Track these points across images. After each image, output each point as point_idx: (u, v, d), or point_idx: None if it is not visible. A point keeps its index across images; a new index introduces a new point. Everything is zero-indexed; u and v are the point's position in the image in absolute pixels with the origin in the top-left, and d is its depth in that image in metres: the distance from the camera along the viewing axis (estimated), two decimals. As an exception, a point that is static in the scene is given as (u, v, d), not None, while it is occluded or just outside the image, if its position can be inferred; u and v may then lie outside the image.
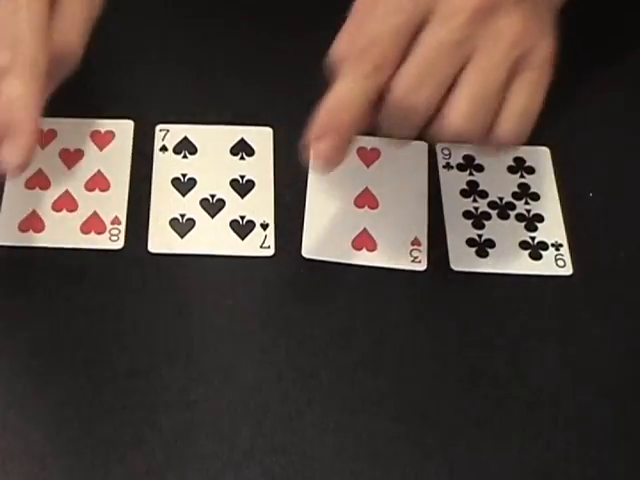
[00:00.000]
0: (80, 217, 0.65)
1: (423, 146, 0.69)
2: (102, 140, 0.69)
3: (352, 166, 0.68)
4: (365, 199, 0.67)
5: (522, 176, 0.69)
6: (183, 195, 0.67)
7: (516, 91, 0.61)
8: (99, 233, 0.65)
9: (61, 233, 0.65)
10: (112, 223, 0.65)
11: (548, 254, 0.66)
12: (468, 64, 0.60)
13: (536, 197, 0.68)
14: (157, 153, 0.68)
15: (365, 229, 0.66)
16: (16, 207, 0.66)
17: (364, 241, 0.66)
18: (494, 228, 0.66)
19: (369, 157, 0.69)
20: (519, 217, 0.67)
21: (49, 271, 0.63)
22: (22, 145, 0.58)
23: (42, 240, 0.64)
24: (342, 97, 0.60)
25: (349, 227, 0.66)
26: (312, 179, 0.68)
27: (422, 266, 0.65)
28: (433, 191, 0.68)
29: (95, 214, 0.66)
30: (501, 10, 0.60)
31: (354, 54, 0.60)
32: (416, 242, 0.66)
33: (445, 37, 0.59)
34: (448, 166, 0.69)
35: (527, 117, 0.62)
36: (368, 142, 0.69)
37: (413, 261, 0.65)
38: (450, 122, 0.60)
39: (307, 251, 0.65)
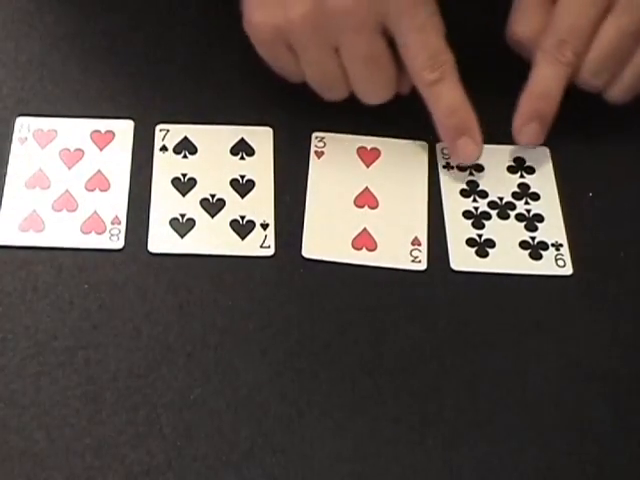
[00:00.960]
0: (80, 217, 0.65)
1: (423, 146, 0.69)
2: (102, 140, 0.69)
3: (352, 166, 0.68)
4: (365, 199, 0.67)
5: (522, 176, 0.69)
6: (183, 195, 0.67)
7: None
8: (99, 233, 0.65)
9: (61, 233, 0.65)
10: (112, 223, 0.65)
11: (548, 254, 0.66)
12: None
13: (536, 197, 0.68)
14: (157, 153, 0.68)
15: (365, 229, 0.66)
16: (16, 207, 0.66)
17: (364, 241, 0.66)
18: (494, 228, 0.66)
19: (369, 157, 0.69)
20: (519, 217, 0.67)
21: (49, 271, 0.63)
22: (478, 141, 0.67)
23: (42, 240, 0.64)
24: (547, 86, 0.67)
25: (349, 227, 0.66)
26: (312, 179, 0.68)
27: (422, 266, 0.65)
28: (433, 191, 0.68)
29: (95, 214, 0.66)
30: None
31: (554, 44, 0.67)
32: (416, 242, 0.66)
33: (627, 28, 0.66)
34: (448, 166, 0.69)
35: None
36: (368, 142, 0.69)
37: (413, 261, 0.65)
38: None
39: (307, 251, 0.65)
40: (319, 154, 0.69)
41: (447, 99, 0.66)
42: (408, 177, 0.68)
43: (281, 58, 0.67)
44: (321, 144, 0.69)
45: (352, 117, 0.69)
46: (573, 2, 0.67)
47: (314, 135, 0.69)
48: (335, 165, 0.68)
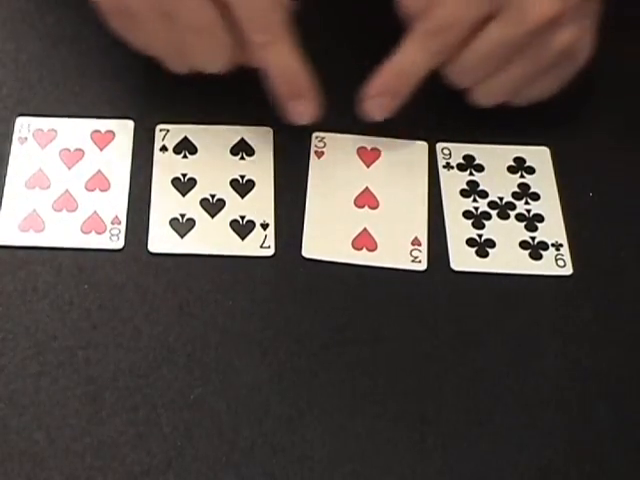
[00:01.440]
0: (80, 217, 0.65)
1: (423, 146, 0.69)
2: (102, 140, 0.69)
3: (352, 166, 0.68)
4: (365, 199, 0.67)
5: (522, 176, 0.69)
6: (183, 195, 0.67)
7: None
8: (99, 233, 0.65)
9: (61, 233, 0.65)
10: (112, 223, 0.65)
11: (548, 254, 0.66)
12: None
13: (536, 197, 0.68)
14: (157, 153, 0.68)
15: (365, 229, 0.66)
16: (16, 207, 0.66)
17: (364, 241, 0.66)
18: (494, 228, 0.66)
19: (369, 157, 0.69)
20: (519, 217, 0.67)
21: (49, 271, 0.63)
22: (311, 102, 0.66)
23: (42, 240, 0.64)
24: (408, 66, 0.66)
25: (349, 227, 0.66)
26: (312, 179, 0.68)
27: (422, 266, 0.65)
28: (433, 191, 0.68)
29: (95, 214, 0.66)
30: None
31: (429, 30, 0.65)
32: (416, 242, 0.66)
33: (508, 38, 0.64)
34: (448, 166, 0.69)
35: None
36: (369, 142, 0.69)
37: (413, 261, 0.65)
38: None
39: (307, 251, 0.65)
40: (319, 154, 0.69)
41: (278, 63, 0.65)
42: (408, 177, 0.68)
43: (128, 30, 0.66)
44: (321, 144, 0.69)
45: (352, 117, 0.68)
46: None
47: (314, 135, 0.69)
48: (335, 165, 0.68)
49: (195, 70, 0.67)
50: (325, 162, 0.68)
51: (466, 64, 0.66)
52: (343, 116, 0.69)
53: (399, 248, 0.66)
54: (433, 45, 0.65)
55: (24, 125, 0.69)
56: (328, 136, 0.69)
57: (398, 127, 0.69)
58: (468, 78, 0.67)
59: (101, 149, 0.68)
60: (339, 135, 0.70)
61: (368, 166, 0.69)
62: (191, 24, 0.64)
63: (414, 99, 0.67)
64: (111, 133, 0.69)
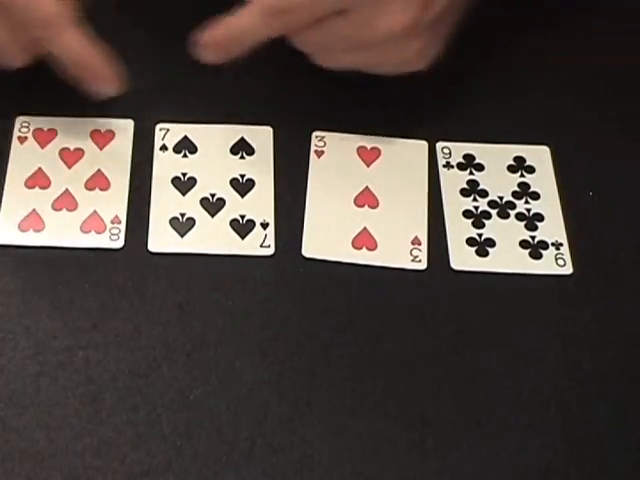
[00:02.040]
0: (80, 216, 0.65)
1: (423, 146, 0.69)
2: (102, 139, 0.69)
3: (352, 165, 0.68)
4: (365, 198, 0.67)
5: (522, 175, 0.69)
6: (183, 194, 0.67)
7: None
8: (99, 232, 0.65)
9: (61, 232, 0.65)
10: (112, 222, 0.65)
11: (548, 253, 0.66)
12: None
13: (536, 196, 0.68)
14: (157, 152, 0.68)
15: (365, 228, 0.66)
16: (16, 206, 0.66)
17: (364, 240, 0.66)
18: (494, 227, 0.66)
19: (369, 156, 0.69)
20: (519, 216, 0.67)
21: (49, 271, 0.63)
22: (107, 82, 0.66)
23: (42, 240, 0.64)
24: (244, 31, 0.64)
25: (349, 226, 0.66)
26: (312, 179, 0.68)
27: (422, 265, 0.65)
28: (433, 190, 0.68)
29: (95, 213, 0.66)
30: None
31: (272, 8, 0.63)
32: (416, 241, 0.66)
33: (350, 38, 0.63)
34: (448, 165, 0.69)
35: None
36: (369, 141, 0.69)
37: (413, 260, 0.65)
38: None
39: (307, 250, 0.65)
40: (319, 153, 0.69)
41: (66, 51, 0.65)
42: (408, 177, 0.68)
43: None
44: (321, 143, 0.69)
45: (352, 117, 0.69)
46: None
47: (314, 134, 0.69)
48: (335, 165, 0.68)
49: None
50: (325, 161, 0.68)
51: (306, 42, 0.65)
52: (343, 116, 0.69)
53: (399, 247, 0.66)
54: (275, 22, 0.64)
55: (24, 124, 0.69)
56: (328, 135, 0.69)
57: (398, 126, 0.69)
58: (308, 49, 0.66)
59: (101, 148, 0.68)
60: (339, 134, 0.70)
61: (368, 165, 0.69)
62: None
63: (414, 99, 0.67)
64: (111, 132, 0.69)
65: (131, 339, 0.61)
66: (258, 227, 0.66)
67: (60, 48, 0.65)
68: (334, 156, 0.69)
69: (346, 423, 0.59)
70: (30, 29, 0.65)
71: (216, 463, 0.57)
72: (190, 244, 0.65)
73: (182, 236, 0.65)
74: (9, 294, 0.62)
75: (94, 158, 0.68)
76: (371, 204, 0.67)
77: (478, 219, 0.67)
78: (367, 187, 0.68)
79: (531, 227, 0.67)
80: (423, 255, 0.65)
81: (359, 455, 0.58)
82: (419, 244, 0.66)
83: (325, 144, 0.69)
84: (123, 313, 0.62)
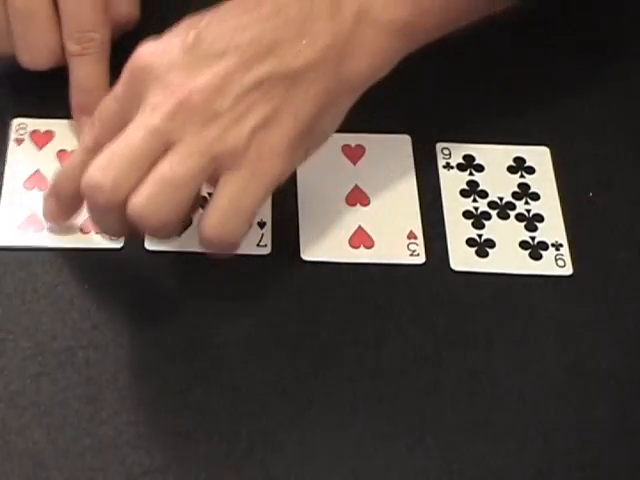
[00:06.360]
0: (79, 217, 0.65)
1: (406, 139, 0.69)
2: (100, 140, 0.69)
3: (339, 164, 0.68)
4: (356, 196, 0.67)
5: (522, 176, 0.69)
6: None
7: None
8: (99, 233, 0.65)
9: (61, 233, 0.65)
10: (112, 223, 0.65)
11: (548, 254, 0.66)
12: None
13: (536, 197, 0.68)
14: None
15: (360, 226, 0.66)
16: (15, 208, 0.66)
17: (361, 238, 0.66)
18: (494, 228, 0.66)
19: (355, 154, 0.69)
20: (519, 217, 0.67)
21: (49, 271, 0.63)
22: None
23: (42, 240, 0.64)
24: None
25: (344, 226, 0.66)
26: (301, 181, 0.67)
27: (420, 259, 0.65)
28: (433, 191, 0.68)
29: (95, 214, 0.65)
30: None
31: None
32: (412, 235, 0.66)
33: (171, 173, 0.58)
34: (448, 166, 0.69)
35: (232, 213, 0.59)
36: (352, 139, 0.69)
37: (411, 254, 0.65)
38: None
39: (305, 253, 0.65)
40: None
41: (80, 75, 0.67)
42: (395, 171, 0.68)
43: None
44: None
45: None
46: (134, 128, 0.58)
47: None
48: (322, 165, 0.67)
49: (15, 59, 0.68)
50: (311, 162, 0.67)
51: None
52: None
53: (396, 243, 0.65)
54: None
55: (21, 126, 0.69)
56: None
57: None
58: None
59: (100, 149, 0.68)
60: None
61: (354, 163, 0.69)
62: (15, 8, 0.66)
63: (414, 99, 0.67)
64: (109, 133, 0.69)
65: (131, 339, 0.61)
66: (255, 226, 0.65)
67: (76, 69, 0.67)
68: (320, 156, 0.67)
69: (346, 423, 0.59)
70: (66, 34, 0.66)
71: (216, 463, 0.57)
72: (188, 243, 0.65)
73: (179, 235, 0.65)
74: (9, 294, 0.62)
75: (93, 159, 0.68)
76: (363, 202, 0.67)
77: (478, 220, 0.67)
78: (356, 185, 0.68)
79: (531, 228, 0.67)
80: (420, 248, 0.65)
81: (359, 454, 0.58)
82: (415, 238, 0.66)
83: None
84: (123, 313, 0.62)
